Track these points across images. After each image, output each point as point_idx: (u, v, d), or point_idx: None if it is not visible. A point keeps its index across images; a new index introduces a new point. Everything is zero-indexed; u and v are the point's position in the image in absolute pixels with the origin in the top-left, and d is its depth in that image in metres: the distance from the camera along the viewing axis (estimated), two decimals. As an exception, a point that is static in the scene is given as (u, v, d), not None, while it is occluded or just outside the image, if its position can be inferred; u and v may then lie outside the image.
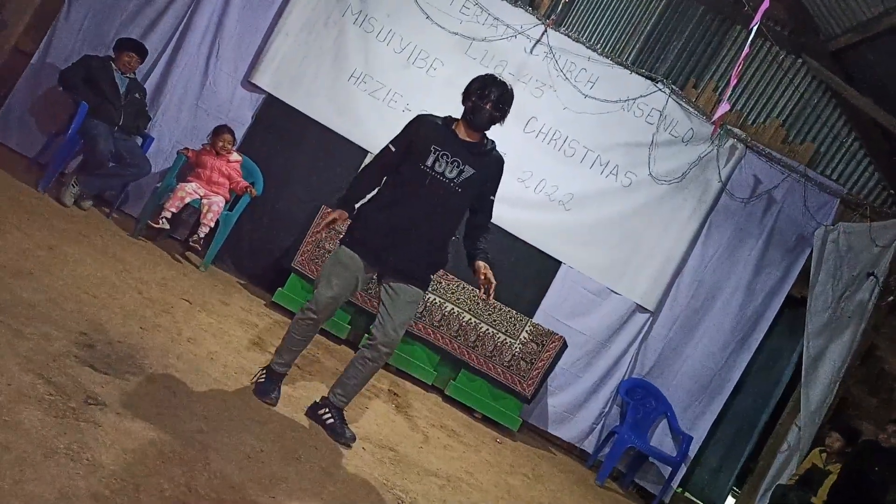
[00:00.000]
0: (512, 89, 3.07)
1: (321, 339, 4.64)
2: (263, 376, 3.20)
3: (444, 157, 2.99)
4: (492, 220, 3.24)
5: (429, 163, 2.99)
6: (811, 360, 5.27)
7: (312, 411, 3.25)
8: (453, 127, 3.08)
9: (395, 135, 3.12)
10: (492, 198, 3.20)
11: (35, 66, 5.17)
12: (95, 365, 2.62)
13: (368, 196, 3.17)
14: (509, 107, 3.07)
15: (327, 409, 3.21)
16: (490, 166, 3.12)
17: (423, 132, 3.04)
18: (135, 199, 5.09)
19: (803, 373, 5.28)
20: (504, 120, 3.08)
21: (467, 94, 3.06)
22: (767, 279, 5.51)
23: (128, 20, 5.21)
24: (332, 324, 4.75)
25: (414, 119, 3.13)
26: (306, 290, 4.77)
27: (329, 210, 3.12)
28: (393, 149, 3.07)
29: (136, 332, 3.13)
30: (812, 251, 5.41)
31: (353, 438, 3.19)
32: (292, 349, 3.18)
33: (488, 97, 2.99)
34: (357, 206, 3.15)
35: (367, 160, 3.27)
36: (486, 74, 3.12)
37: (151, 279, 4.00)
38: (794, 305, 5.57)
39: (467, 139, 3.05)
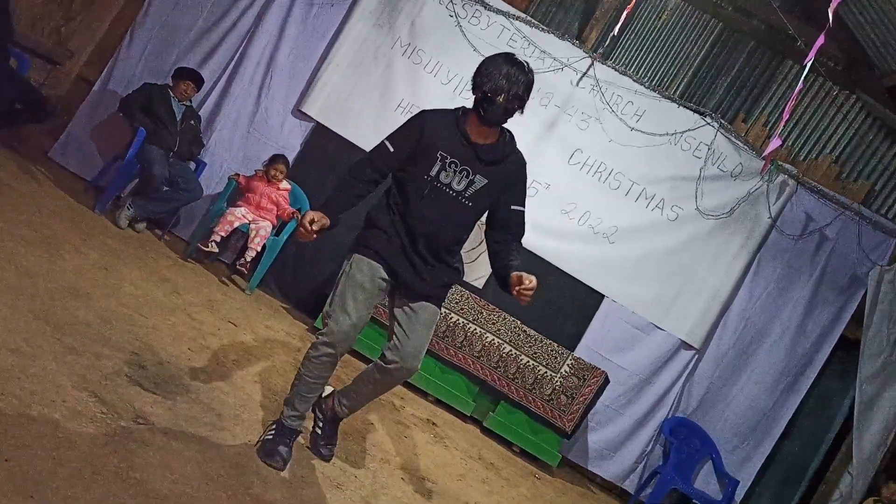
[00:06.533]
0: (532, 73, 2.52)
1: (359, 365, 4.64)
2: (272, 432, 2.68)
3: (452, 165, 2.54)
4: (521, 238, 2.73)
5: (433, 173, 2.55)
6: (864, 405, 5.07)
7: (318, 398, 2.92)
8: (464, 124, 2.57)
9: (394, 131, 2.64)
10: (515, 208, 2.67)
11: (96, 93, 5.39)
12: (145, 384, 2.67)
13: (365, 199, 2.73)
14: (529, 95, 2.51)
15: (322, 419, 2.88)
16: (508, 172, 2.63)
17: (428, 134, 2.55)
18: (186, 222, 5.23)
19: (856, 418, 5.08)
20: (523, 110, 2.55)
21: (477, 83, 2.52)
22: (819, 319, 5.34)
23: (186, 50, 5.41)
24: (371, 350, 4.75)
25: (417, 116, 2.62)
26: (348, 316, 4.80)
27: (305, 212, 2.54)
28: (391, 149, 2.59)
29: (185, 354, 3.19)
30: (866, 292, 5.24)
31: (330, 458, 2.88)
32: (307, 396, 2.69)
33: (502, 88, 2.45)
34: (360, 211, 2.74)
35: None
36: (499, 56, 2.54)
37: (199, 301, 4.08)
38: (847, 347, 5.38)
39: (480, 141, 2.56)
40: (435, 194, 2.57)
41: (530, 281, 2.42)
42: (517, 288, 2.44)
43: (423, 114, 2.63)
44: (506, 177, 2.63)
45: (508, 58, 2.52)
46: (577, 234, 5.38)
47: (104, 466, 2.04)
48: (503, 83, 2.45)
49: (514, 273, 2.50)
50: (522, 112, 2.56)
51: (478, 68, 2.54)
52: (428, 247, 2.63)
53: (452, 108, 2.64)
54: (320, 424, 2.89)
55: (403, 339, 2.62)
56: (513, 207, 2.67)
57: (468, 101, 2.68)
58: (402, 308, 2.67)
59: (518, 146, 2.71)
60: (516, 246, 2.71)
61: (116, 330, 3.00)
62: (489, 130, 2.57)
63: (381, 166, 2.63)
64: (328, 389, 2.91)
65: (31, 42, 5.06)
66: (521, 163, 2.68)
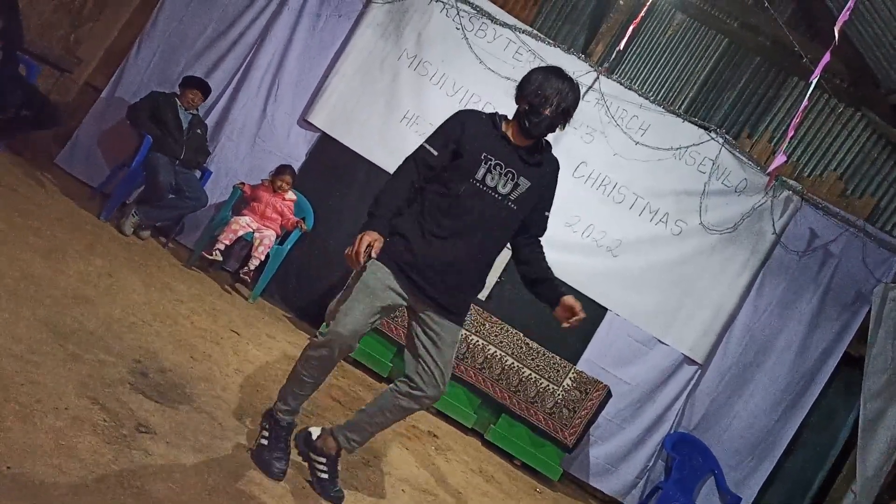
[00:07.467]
0: (579, 90, 2.52)
1: (360, 375, 4.65)
2: (265, 436, 2.61)
3: (497, 167, 2.46)
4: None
5: (479, 176, 2.46)
6: (868, 423, 5.04)
7: (305, 444, 2.67)
8: (503, 128, 2.53)
9: (433, 133, 2.54)
10: (546, 213, 2.68)
11: (104, 101, 5.42)
12: (147, 392, 2.66)
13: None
14: (574, 111, 2.51)
15: (325, 461, 2.63)
16: (546, 174, 2.60)
17: (469, 135, 2.48)
18: (190, 230, 5.23)
19: (860, 436, 5.04)
20: (566, 126, 2.54)
21: (523, 93, 2.49)
22: (823, 336, 5.32)
23: (193, 59, 5.44)
24: (372, 360, 4.75)
25: (456, 116, 2.55)
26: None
27: (363, 234, 2.39)
28: (434, 152, 2.49)
29: (187, 362, 3.18)
30: (871, 309, 5.22)
31: (341, 498, 2.65)
32: (299, 394, 2.59)
33: (549, 101, 2.44)
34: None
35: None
36: (550, 69, 2.52)
37: (202, 309, 4.07)
38: (851, 365, 5.36)
39: (521, 144, 2.53)
40: (479, 198, 2.47)
41: (581, 311, 2.51)
42: (570, 319, 2.53)
43: (462, 113, 2.57)
44: (543, 179, 2.59)
45: (559, 72, 2.51)
46: (581, 246, 5.38)
47: (106, 475, 2.04)
48: (553, 96, 2.45)
49: (567, 299, 2.54)
50: (564, 129, 2.55)
51: (526, 77, 2.52)
52: (470, 261, 2.53)
53: (486, 111, 2.60)
54: (323, 468, 2.63)
55: (433, 368, 2.51)
56: (546, 213, 2.68)
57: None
58: (423, 329, 2.54)
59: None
60: (542, 246, 2.72)
61: (119, 337, 3.00)
62: (527, 139, 2.54)
63: (425, 171, 2.51)
64: (316, 431, 2.68)
65: (39, 49, 5.09)
66: (556, 166, 2.66)
